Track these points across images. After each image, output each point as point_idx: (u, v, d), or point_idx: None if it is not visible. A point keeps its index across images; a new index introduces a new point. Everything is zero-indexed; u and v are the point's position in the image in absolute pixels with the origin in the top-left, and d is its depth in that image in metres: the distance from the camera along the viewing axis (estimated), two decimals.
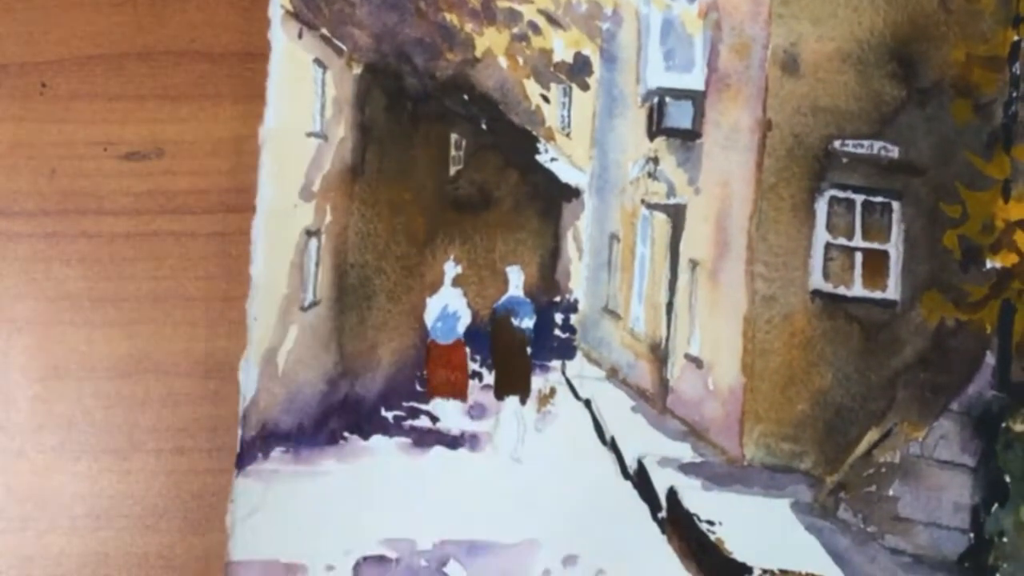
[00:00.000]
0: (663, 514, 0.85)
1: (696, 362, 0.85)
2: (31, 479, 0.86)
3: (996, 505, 0.82)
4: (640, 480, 0.85)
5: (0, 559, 0.84)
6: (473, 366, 0.86)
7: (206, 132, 0.88)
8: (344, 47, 0.88)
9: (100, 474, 0.86)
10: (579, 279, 0.86)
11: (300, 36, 0.88)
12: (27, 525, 0.85)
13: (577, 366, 0.86)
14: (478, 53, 0.87)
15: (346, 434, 0.85)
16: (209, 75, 0.89)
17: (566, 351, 0.86)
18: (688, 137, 0.86)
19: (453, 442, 0.85)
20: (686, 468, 0.85)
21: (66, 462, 0.86)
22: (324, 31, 0.88)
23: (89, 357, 0.87)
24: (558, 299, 0.86)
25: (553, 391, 0.86)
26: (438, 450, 0.86)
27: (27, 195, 0.88)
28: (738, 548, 0.83)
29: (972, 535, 0.82)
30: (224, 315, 0.87)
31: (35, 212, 0.88)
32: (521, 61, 0.87)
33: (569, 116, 0.86)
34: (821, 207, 0.86)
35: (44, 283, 0.88)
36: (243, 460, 0.83)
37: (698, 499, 0.84)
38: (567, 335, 0.86)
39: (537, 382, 0.86)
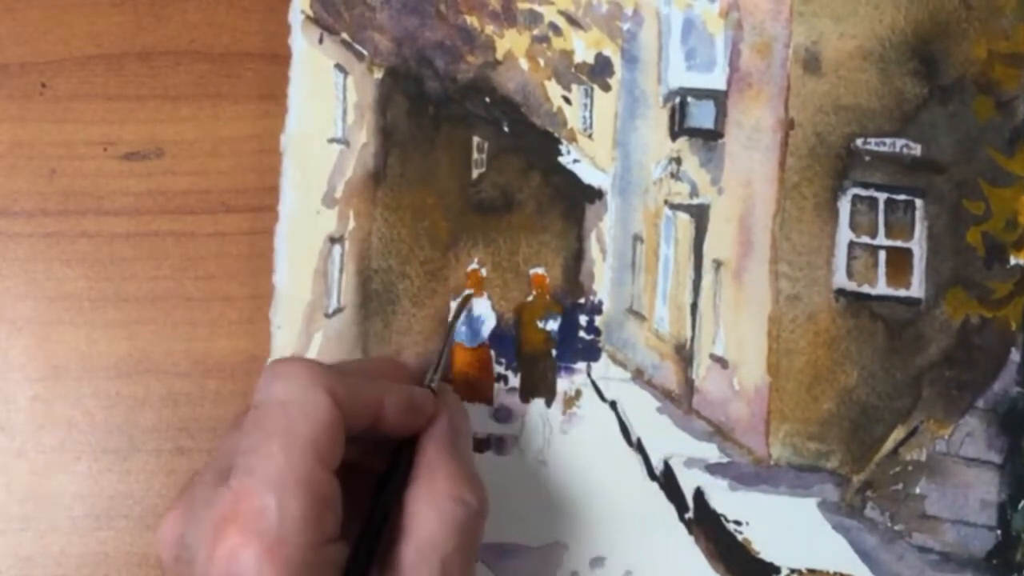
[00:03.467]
0: (690, 515, 0.85)
1: (721, 362, 0.85)
2: (31, 479, 0.85)
3: (1023, 502, 0.82)
4: (667, 481, 0.85)
5: (0, 559, 0.84)
6: (498, 369, 0.86)
7: (206, 132, 0.88)
8: (365, 52, 0.87)
9: (100, 474, 0.85)
10: (603, 281, 0.86)
11: (321, 41, 0.87)
12: (27, 525, 0.85)
13: (602, 368, 0.86)
14: (499, 55, 0.87)
15: None
16: (209, 75, 0.89)
17: (591, 353, 0.86)
18: (710, 137, 0.86)
19: (479, 445, 0.85)
20: (713, 468, 0.85)
21: (66, 462, 0.85)
22: (345, 36, 0.87)
23: (89, 357, 0.86)
24: (582, 301, 0.85)
25: (579, 393, 0.86)
26: None
27: (27, 195, 0.88)
28: (765, 548, 0.84)
29: (999, 532, 0.83)
30: (224, 315, 0.87)
31: (35, 212, 0.88)
32: (542, 63, 0.87)
33: (591, 117, 0.86)
34: (844, 205, 0.86)
35: (44, 283, 0.87)
36: None
37: (725, 499, 0.84)
38: (592, 337, 0.86)
39: (562, 384, 0.86)
